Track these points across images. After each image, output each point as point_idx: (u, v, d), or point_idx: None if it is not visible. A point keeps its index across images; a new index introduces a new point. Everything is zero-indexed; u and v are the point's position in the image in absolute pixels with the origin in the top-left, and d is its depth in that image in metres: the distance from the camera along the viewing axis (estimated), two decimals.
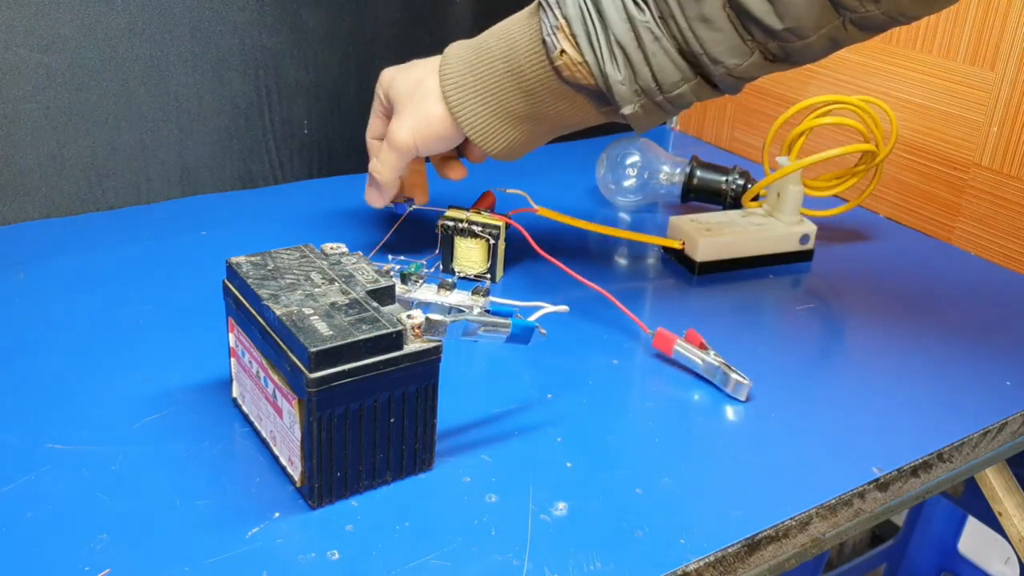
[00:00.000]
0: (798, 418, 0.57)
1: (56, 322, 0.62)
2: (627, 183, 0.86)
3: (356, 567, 0.44)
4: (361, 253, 0.54)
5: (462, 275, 0.71)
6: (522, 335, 0.52)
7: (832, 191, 0.82)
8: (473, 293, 0.63)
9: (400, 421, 0.48)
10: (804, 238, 0.78)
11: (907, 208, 0.89)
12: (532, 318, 0.54)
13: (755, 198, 0.81)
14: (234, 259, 0.52)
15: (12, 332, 0.61)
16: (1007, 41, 0.79)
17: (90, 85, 0.76)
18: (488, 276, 0.71)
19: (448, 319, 0.48)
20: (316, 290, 0.49)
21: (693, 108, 1.09)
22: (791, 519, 0.49)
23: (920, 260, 0.83)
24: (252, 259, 0.52)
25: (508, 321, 0.51)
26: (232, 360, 0.54)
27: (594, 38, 0.59)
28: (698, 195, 0.85)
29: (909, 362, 0.65)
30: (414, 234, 0.75)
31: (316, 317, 0.46)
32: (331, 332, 0.45)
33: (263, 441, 0.51)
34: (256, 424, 0.52)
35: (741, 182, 0.83)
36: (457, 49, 0.65)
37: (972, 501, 1.04)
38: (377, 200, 0.71)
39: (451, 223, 0.70)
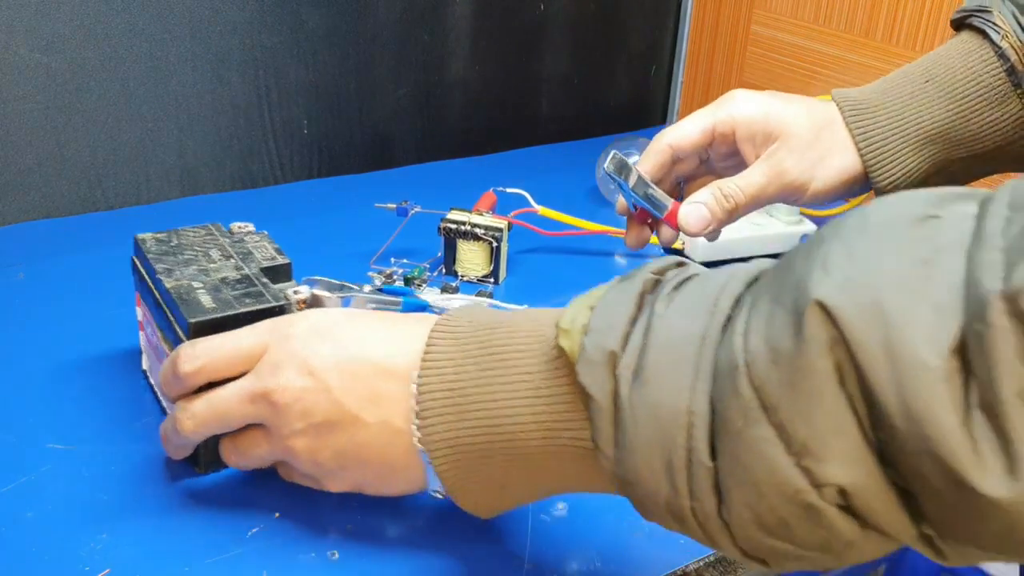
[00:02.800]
0: None
1: (56, 322, 0.62)
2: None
3: (356, 567, 0.44)
4: (267, 233, 0.55)
5: (465, 278, 0.71)
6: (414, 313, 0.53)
7: None
8: (477, 296, 0.63)
9: None
10: (804, 238, 0.78)
11: None
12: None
13: None
14: (140, 235, 0.54)
15: (12, 332, 0.61)
16: None
17: (90, 85, 0.76)
18: (491, 279, 0.71)
19: (332, 295, 0.49)
20: (211, 265, 0.51)
21: (693, 108, 1.09)
22: None
23: None
24: (158, 236, 0.54)
25: (398, 300, 0.52)
26: (140, 333, 0.55)
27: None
28: None
29: None
30: (417, 236, 0.75)
31: (203, 290, 0.48)
32: (214, 305, 0.46)
33: (164, 412, 0.52)
34: (159, 394, 0.53)
35: None
36: (857, 90, 0.59)
37: None
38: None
39: (453, 226, 0.70)
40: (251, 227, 0.56)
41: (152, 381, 0.55)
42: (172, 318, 0.47)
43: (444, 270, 0.71)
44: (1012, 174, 0.59)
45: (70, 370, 0.57)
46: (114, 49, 0.76)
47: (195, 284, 0.48)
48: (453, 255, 0.71)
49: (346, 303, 0.49)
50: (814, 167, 0.57)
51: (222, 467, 0.48)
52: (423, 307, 0.54)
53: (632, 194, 0.58)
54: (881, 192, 0.56)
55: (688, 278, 0.36)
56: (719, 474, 0.31)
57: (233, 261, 0.51)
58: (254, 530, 0.45)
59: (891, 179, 0.57)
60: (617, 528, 0.47)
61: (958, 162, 0.58)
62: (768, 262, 0.34)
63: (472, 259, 0.70)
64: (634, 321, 0.35)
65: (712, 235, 0.62)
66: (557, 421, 0.37)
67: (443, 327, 0.41)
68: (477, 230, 0.69)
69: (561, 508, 0.48)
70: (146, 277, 0.51)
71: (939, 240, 0.28)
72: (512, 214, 0.72)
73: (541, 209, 0.73)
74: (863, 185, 0.59)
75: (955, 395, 0.27)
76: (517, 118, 0.73)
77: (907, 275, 0.28)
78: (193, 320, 0.45)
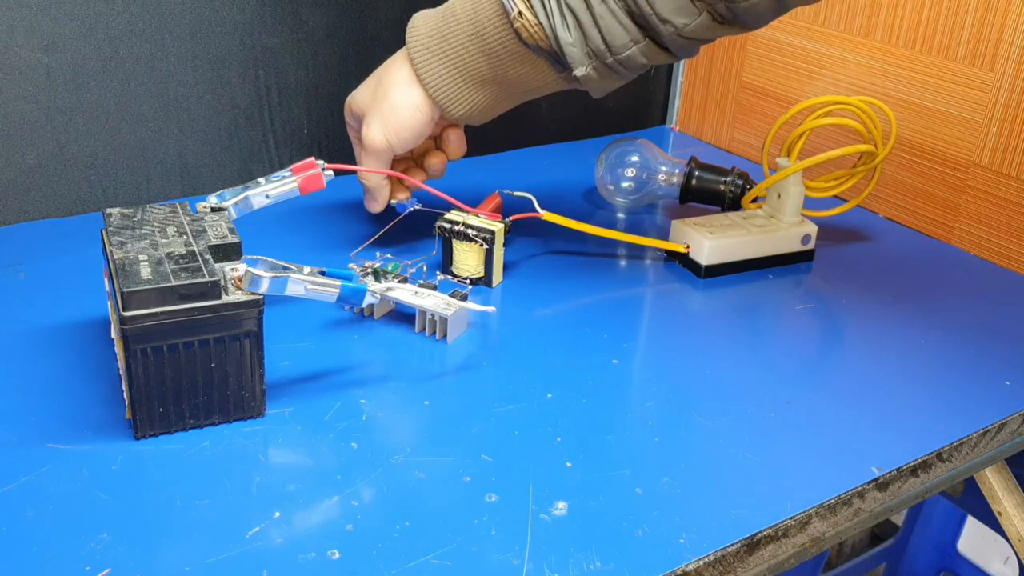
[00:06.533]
0: (798, 417, 0.58)
1: (56, 322, 0.62)
2: (625, 184, 0.86)
3: (356, 567, 0.44)
4: (227, 212, 0.57)
5: (459, 278, 0.71)
6: (352, 297, 0.55)
7: (831, 192, 0.82)
8: (451, 295, 0.63)
9: (223, 367, 0.51)
10: (806, 238, 0.78)
11: (907, 208, 0.89)
12: (457, 307, 0.61)
13: (755, 200, 0.81)
14: (109, 210, 0.56)
15: (12, 332, 0.61)
16: (1006, 41, 0.79)
17: (90, 85, 0.76)
18: (484, 281, 0.70)
19: (268, 275, 0.50)
20: (163, 241, 0.53)
21: (693, 108, 1.10)
22: (791, 519, 0.49)
23: (920, 260, 0.83)
24: (125, 211, 0.56)
25: (337, 282, 0.54)
26: (108, 303, 0.56)
27: (546, 0, 0.60)
28: (697, 196, 0.85)
29: (909, 362, 0.65)
30: (419, 233, 0.75)
31: (146, 263, 0.50)
32: (151, 277, 0.48)
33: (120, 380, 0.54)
34: (119, 364, 0.55)
35: (740, 183, 0.83)
36: (424, 16, 0.67)
37: (971, 501, 1.04)
38: (373, 205, 0.73)
39: (448, 225, 0.70)
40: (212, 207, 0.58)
41: (115, 350, 0.57)
42: (114, 288, 0.50)
43: (440, 269, 0.71)
44: None
45: (70, 370, 0.57)
46: (114, 49, 0.76)
47: (141, 257, 0.51)
48: (450, 255, 0.71)
49: (283, 283, 0.51)
50: (396, 123, 0.66)
51: (158, 432, 0.51)
52: (361, 292, 0.56)
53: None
54: (458, 119, 0.68)
55: None
56: None
57: (185, 238, 0.53)
58: (254, 530, 0.45)
59: (462, 113, 0.67)
60: (617, 528, 0.47)
61: (516, 93, 0.68)
62: None
63: (466, 260, 0.70)
64: None
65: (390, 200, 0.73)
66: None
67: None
68: (470, 231, 0.69)
69: (561, 508, 0.48)
70: (105, 248, 0.54)
71: None
72: (511, 218, 0.72)
73: (546, 214, 0.73)
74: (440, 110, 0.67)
75: None
76: (517, 118, 0.73)
77: None
78: (127, 290, 0.47)
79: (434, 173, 0.73)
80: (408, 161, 0.74)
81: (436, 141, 0.73)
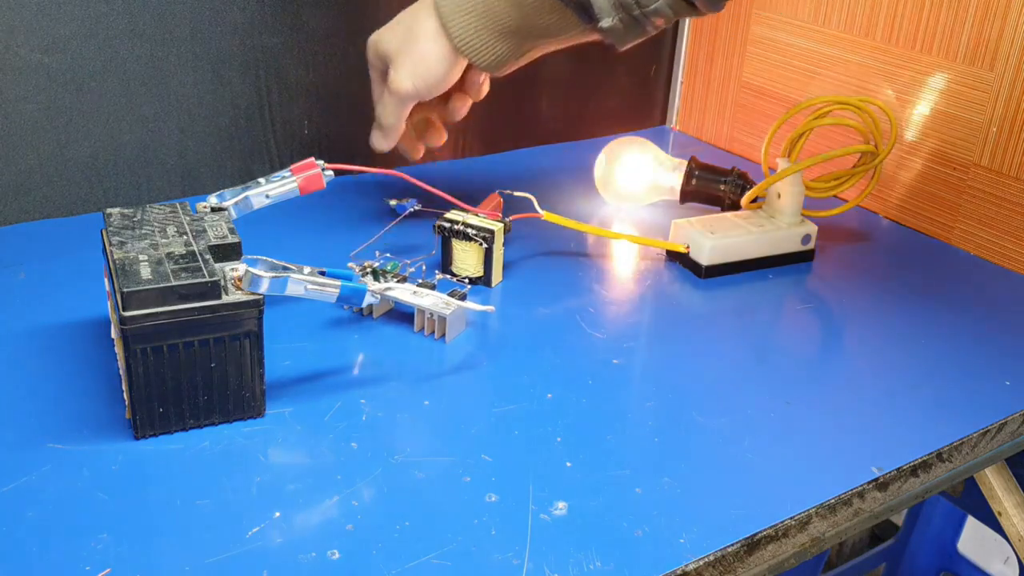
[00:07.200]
0: (798, 417, 0.58)
1: (56, 322, 0.62)
2: (625, 184, 0.86)
3: (356, 567, 0.44)
4: (227, 212, 0.57)
5: (458, 278, 0.71)
6: (352, 297, 0.56)
7: (832, 192, 0.82)
8: (449, 295, 0.63)
9: (223, 367, 0.51)
10: (806, 238, 0.78)
11: (907, 208, 0.89)
12: (455, 306, 0.61)
13: (755, 200, 0.81)
14: (109, 210, 0.56)
15: (12, 332, 0.61)
16: (1006, 41, 0.79)
17: (90, 85, 0.76)
18: (483, 281, 0.70)
19: (268, 275, 0.51)
20: (163, 241, 0.53)
21: (693, 108, 1.10)
22: (791, 519, 0.49)
23: (920, 260, 0.83)
24: (125, 211, 0.56)
25: (337, 282, 0.54)
26: (108, 303, 0.57)
27: None
28: (696, 196, 0.85)
29: (909, 362, 0.65)
30: (419, 233, 0.75)
31: (146, 263, 0.50)
32: (151, 277, 0.48)
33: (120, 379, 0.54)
34: (119, 364, 0.55)
35: (739, 183, 0.83)
36: None
37: (972, 501, 1.04)
38: (381, 143, 0.74)
39: (447, 224, 0.70)
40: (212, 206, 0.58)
41: (115, 350, 0.57)
42: (114, 288, 0.50)
43: (440, 268, 0.71)
44: None
45: (71, 370, 0.57)
46: (115, 50, 0.76)
47: (141, 257, 0.51)
48: (449, 255, 0.71)
49: (283, 283, 0.51)
50: (425, 71, 0.69)
51: (158, 433, 0.51)
52: (361, 292, 0.56)
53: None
54: (483, 70, 0.70)
55: None
56: None
57: (185, 238, 0.53)
58: (254, 530, 0.45)
59: (487, 62, 0.69)
60: (617, 528, 0.47)
61: (540, 44, 0.70)
62: None
63: (466, 260, 0.70)
64: None
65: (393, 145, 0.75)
66: None
67: None
68: (469, 230, 0.69)
69: (561, 508, 0.48)
70: (105, 248, 0.54)
71: None
72: (511, 218, 0.72)
73: (545, 214, 0.73)
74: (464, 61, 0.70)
75: None
76: (517, 118, 0.73)
77: None
78: (127, 290, 0.47)
79: (458, 115, 0.75)
80: (425, 109, 0.75)
81: (459, 83, 0.74)
